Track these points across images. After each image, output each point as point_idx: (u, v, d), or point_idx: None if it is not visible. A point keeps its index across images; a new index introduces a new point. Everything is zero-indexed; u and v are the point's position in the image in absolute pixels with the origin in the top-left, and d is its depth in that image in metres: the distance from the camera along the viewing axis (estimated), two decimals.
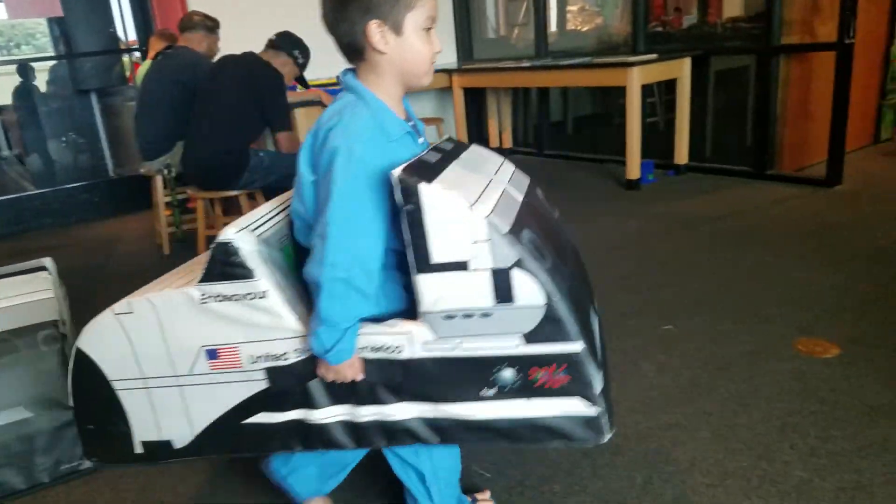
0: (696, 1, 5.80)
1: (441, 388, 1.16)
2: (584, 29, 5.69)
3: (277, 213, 1.33)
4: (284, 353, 1.20)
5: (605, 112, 5.41)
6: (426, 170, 1.09)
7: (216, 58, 3.37)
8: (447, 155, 1.23)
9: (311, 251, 1.11)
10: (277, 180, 3.10)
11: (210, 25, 3.54)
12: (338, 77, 1.23)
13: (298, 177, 1.18)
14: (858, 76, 4.26)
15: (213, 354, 1.23)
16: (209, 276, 1.18)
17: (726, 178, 4.11)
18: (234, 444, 1.30)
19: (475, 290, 1.09)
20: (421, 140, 1.27)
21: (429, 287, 1.10)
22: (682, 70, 4.08)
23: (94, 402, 1.31)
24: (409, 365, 1.16)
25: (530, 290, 1.07)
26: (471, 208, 1.05)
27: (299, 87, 3.50)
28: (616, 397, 1.68)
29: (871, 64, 4.42)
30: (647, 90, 4.58)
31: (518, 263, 1.06)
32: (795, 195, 3.68)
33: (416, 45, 1.15)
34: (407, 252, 1.08)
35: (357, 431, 1.23)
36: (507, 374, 1.13)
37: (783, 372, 1.97)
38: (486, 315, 1.10)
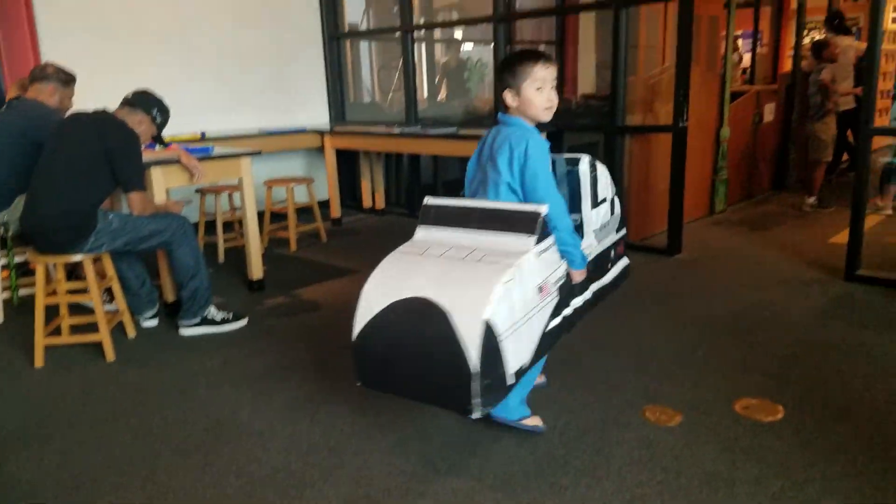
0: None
1: (598, 271, 2.20)
2: (453, 100, 5.94)
3: None
4: (563, 274, 1.96)
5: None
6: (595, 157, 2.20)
7: (68, 113, 3.15)
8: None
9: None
10: (127, 243, 2.91)
11: (64, 78, 3.35)
12: (510, 122, 2.02)
13: (496, 177, 1.99)
14: (694, 154, 4.74)
15: (540, 289, 1.86)
16: (540, 237, 1.85)
17: None
18: (541, 350, 1.90)
19: (605, 210, 2.22)
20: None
21: (593, 216, 2.16)
22: None
23: (490, 361, 1.69)
24: (593, 261, 2.11)
25: (618, 209, 2.29)
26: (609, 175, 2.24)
27: (158, 145, 3.35)
28: (479, 474, 1.80)
29: (704, 144, 4.94)
30: None
31: (612, 199, 2.25)
32: (641, 263, 3.97)
33: (531, 98, 1.97)
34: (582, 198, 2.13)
35: (575, 316, 2.06)
36: (613, 252, 2.27)
37: (632, 441, 2.07)
38: (606, 226, 2.22)
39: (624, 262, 2.36)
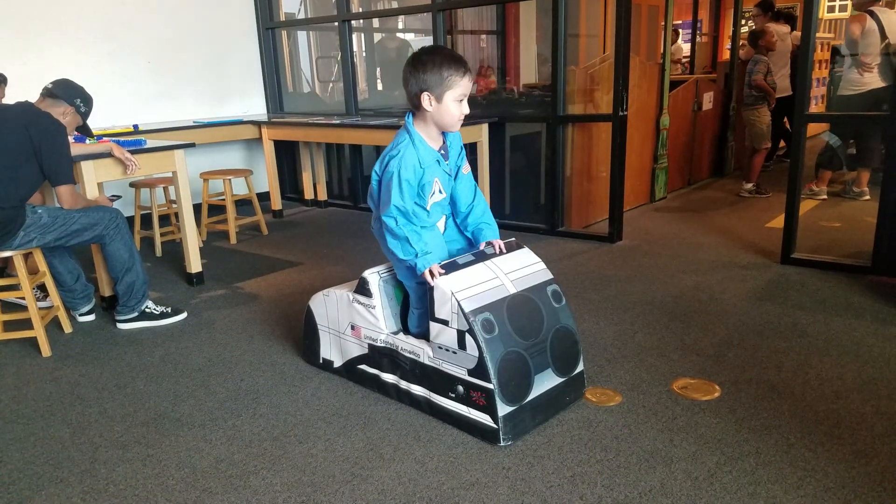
0: (497, 69, 6.28)
1: (433, 384, 2.11)
2: (393, 90, 5.87)
3: None
4: (376, 339, 2.25)
5: None
6: (448, 267, 2.06)
7: None
8: (481, 256, 2.16)
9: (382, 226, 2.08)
10: (58, 238, 2.79)
11: None
12: (405, 122, 2.09)
13: (372, 181, 2.13)
14: (634, 143, 4.83)
15: (353, 327, 2.32)
16: (355, 289, 2.28)
17: (524, 234, 4.39)
18: (354, 377, 2.39)
19: (450, 337, 2.00)
20: (447, 162, 2.14)
21: (433, 328, 2.05)
22: (480, 134, 4.34)
23: (310, 332, 2.52)
24: (423, 365, 2.12)
25: (472, 347, 1.94)
26: (453, 294, 1.96)
27: (88, 139, 3.21)
28: (422, 457, 1.90)
29: (644, 133, 5.03)
30: None
31: (469, 330, 1.93)
32: (583, 250, 4.03)
33: (450, 109, 1.99)
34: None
35: (400, 393, 2.22)
36: (461, 388, 2.02)
37: (574, 422, 2.09)
38: (454, 352, 2.01)
39: (481, 417, 1.98)
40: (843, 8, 9.94)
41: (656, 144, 5.18)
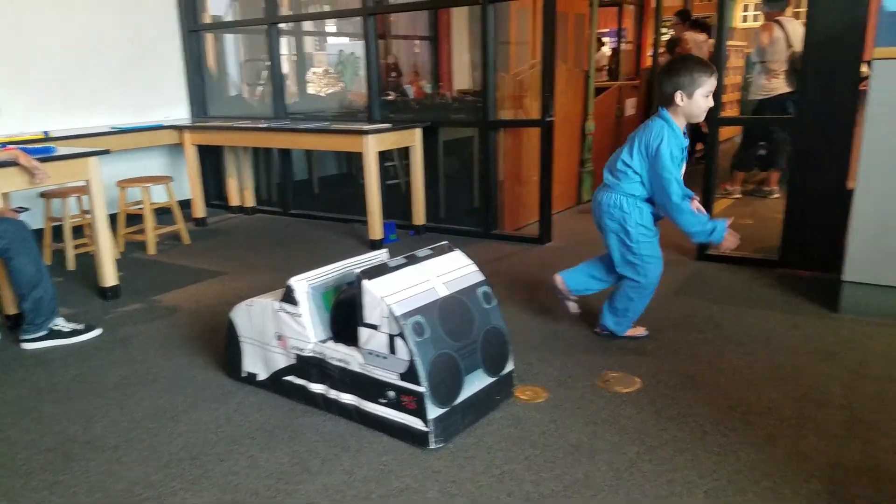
0: (430, 74, 6.33)
1: (363, 391, 2.09)
2: (326, 93, 5.83)
3: (329, 273, 2.27)
4: (303, 349, 2.20)
5: (350, 173, 5.55)
6: (378, 271, 2.04)
7: None
8: (413, 260, 2.16)
9: (660, 198, 2.44)
10: None
11: None
12: (655, 113, 2.45)
13: (638, 150, 2.44)
14: (562, 148, 4.94)
15: (280, 338, 2.26)
16: (282, 297, 2.22)
17: (459, 237, 4.43)
18: (281, 389, 2.33)
19: (381, 342, 1.99)
20: (686, 143, 2.46)
21: (362, 334, 2.04)
22: (414, 138, 4.36)
23: (232, 345, 2.44)
24: (353, 373, 2.09)
25: (403, 351, 1.94)
26: (382, 298, 1.96)
27: None
28: (350, 467, 1.88)
29: (571, 138, 5.15)
30: (387, 154, 4.81)
31: (400, 334, 1.93)
32: (516, 252, 4.09)
33: (698, 104, 2.37)
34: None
35: (328, 403, 2.19)
36: (392, 393, 2.01)
37: (503, 420, 2.11)
38: (384, 357, 2.00)
39: (411, 421, 1.97)
40: (756, 17, 10.49)
41: (582, 149, 5.31)
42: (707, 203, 3.63)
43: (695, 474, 1.79)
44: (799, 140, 3.30)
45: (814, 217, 3.28)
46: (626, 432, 2.01)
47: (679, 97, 2.36)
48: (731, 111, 7.55)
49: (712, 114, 3.53)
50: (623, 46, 7.82)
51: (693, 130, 5.72)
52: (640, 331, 2.72)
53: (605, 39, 10.05)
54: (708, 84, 2.36)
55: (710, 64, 2.39)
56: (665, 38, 6.76)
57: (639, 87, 6.25)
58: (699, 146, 6.64)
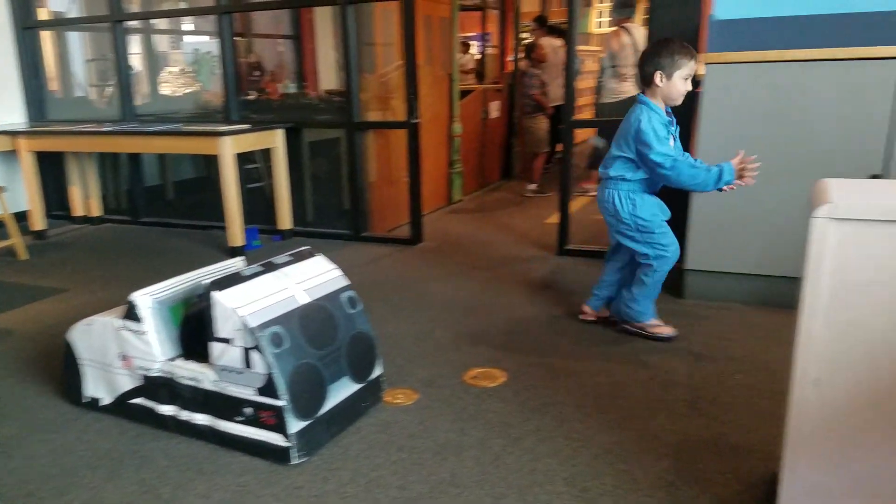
0: (293, 73, 6.15)
1: (218, 410, 1.96)
2: (180, 94, 5.51)
3: (177, 286, 2.12)
4: (150, 369, 2.03)
5: (208, 176, 5.27)
6: (230, 280, 1.93)
7: None
8: (270, 267, 2.07)
9: (656, 170, 2.44)
10: None
11: None
12: (637, 96, 2.51)
13: (624, 139, 2.50)
14: (430, 149, 4.98)
15: (124, 358, 2.08)
16: (124, 314, 2.04)
17: (328, 241, 4.34)
18: (127, 413, 2.14)
19: (234, 356, 1.88)
20: (673, 126, 2.49)
21: (215, 349, 1.91)
22: (275, 140, 4.22)
23: (71, 369, 2.24)
24: (206, 391, 1.96)
25: (259, 364, 1.84)
26: (235, 310, 1.84)
27: None
28: (205, 491, 1.78)
29: (439, 139, 5.22)
30: (249, 156, 4.62)
31: (255, 347, 1.82)
32: (387, 254, 4.07)
33: (677, 86, 2.41)
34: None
35: (180, 425, 2.03)
36: (249, 409, 1.91)
37: (370, 427, 2.08)
38: (239, 373, 1.88)
39: (271, 437, 1.88)
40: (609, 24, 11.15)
41: (450, 150, 5.39)
42: (564, 202, 3.80)
43: (555, 462, 1.85)
44: None
45: None
46: (492, 426, 2.05)
47: (658, 77, 2.41)
48: (588, 114, 7.99)
49: (566, 117, 3.71)
50: (489, 51, 8.03)
51: (554, 131, 6.01)
52: (668, 330, 2.65)
53: (472, 43, 10.30)
54: (687, 67, 2.40)
55: (690, 48, 2.42)
56: (525, 42, 7.01)
57: (502, 90, 6.44)
58: (559, 147, 6.97)
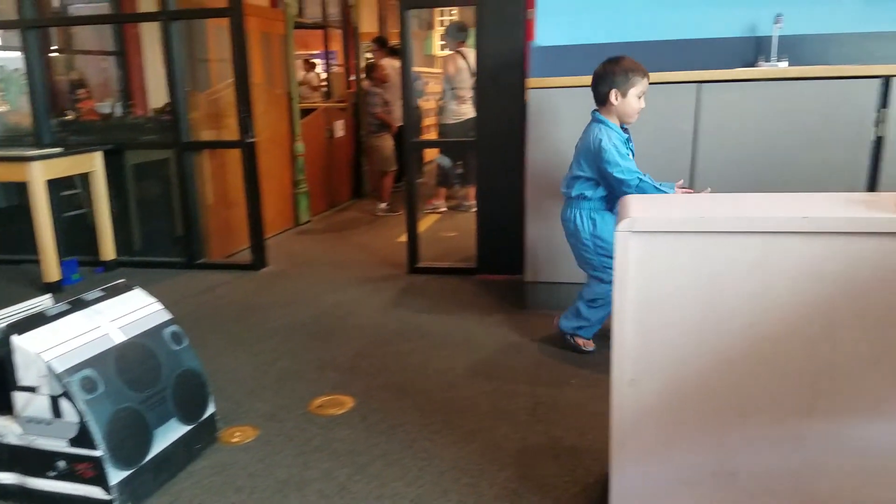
0: (118, 91, 5.72)
1: (26, 466, 1.77)
2: None
3: None
4: None
5: (20, 205, 4.72)
6: (32, 322, 1.74)
7: None
8: (79, 305, 1.87)
9: (620, 188, 2.39)
10: None
11: None
12: (593, 113, 2.50)
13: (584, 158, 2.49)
14: (272, 169, 4.84)
15: None
16: None
17: (159, 271, 4.06)
18: None
19: (41, 406, 1.69)
20: (631, 143, 2.52)
21: (18, 399, 1.72)
22: (94, 163, 3.88)
23: None
24: (11, 447, 1.77)
25: (70, 413, 1.67)
26: (38, 354, 1.66)
27: None
28: None
29: (281, 159, 5.07)
30: (69, 182, 4.21)
31: (65, 394, 1.65)
32: (226, 281, 3.87)
33: (632, 104, 2.41)
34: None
35: None
36: (62, 463, 1.73)
37: (204, 470, 1.94)
38: (48, 423, 1.71)
39: (90, 491, 1.72)
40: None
41: (294, 170, 5.26)
42: (412, 220, 3.83)
43: (402, 484, 1.83)
44: (481, 159, 3.66)
45: (501, 227, 3.65)
46: (338, 455, 1.99)
47: (614, 96, 2.38)
48: (434, 133, 8.18)
49: (407, 137, 3.76)
50: (335, 69, 7.99)
51: (400, 149, 6.07)
52: (590, 345, 2.68)
53: (316, 62, 10.19)
54: (641, 84, 2.39)
55: (641, 65, 2.41)
56: (367, 63, 7.05)
57: (346, 109, 6.41)
58: None
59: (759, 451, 1.44)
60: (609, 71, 2.41)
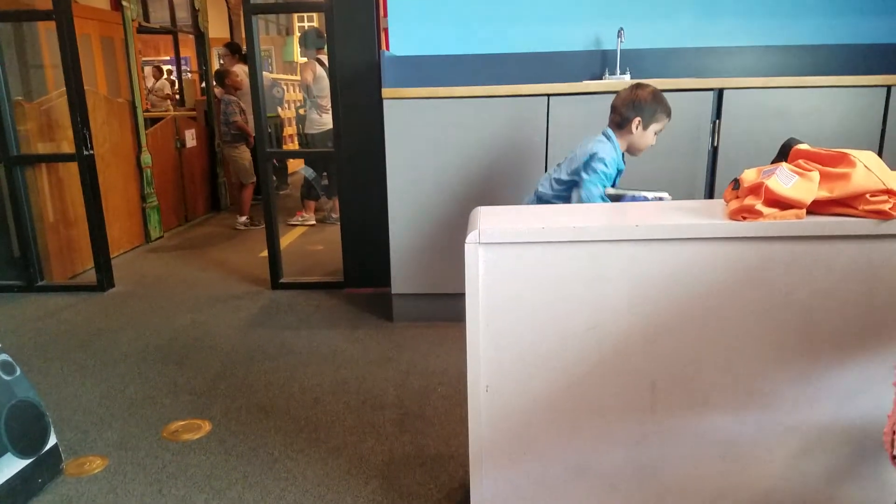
0: None
1: None
2: None
3: None
4: None
5: None
6: None
7: None
8: None
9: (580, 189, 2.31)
10: None
11: None
12: (603, 131, 2.38)
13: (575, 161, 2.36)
14: (116, 183, 4.54)
15: None
16: None
17: None
18: None
19: None
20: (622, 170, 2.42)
21: None
22: None
23: None
24: None
25: None
26: None
27: None
28: None
29: (126, 172, 4.76)
30: None
31: None
32: (70, 304, 3.57)
33: (648, 138, 2.37)
34: None
35: None
36: None
37: None
38: None
39: None
40: None
41: (142, 183, 4.96)
42: (272, 234, 3.72)
43: None
44: (341, 171, 3.63)
45: (366, 240, 3.63)
46: (195, 482, 1.91)
47: (636, 125, 2.30)
48: (293, 144, 8.03)
49: (259, 147, 3.65)
50: (189, 76, 7.63)
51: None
52: None
53: (166, 68, 9.66)
54: (662, 123, 2.33)
55: (669, 106, 2.33)
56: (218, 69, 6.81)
57: (197, 117, 6.14)
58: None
59: (608, 449, 1.54)
60: (641, 99, 2.31)
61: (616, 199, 2.27)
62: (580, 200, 2.30)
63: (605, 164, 2.27)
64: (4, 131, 3.58)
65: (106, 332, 3.16)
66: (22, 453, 1.81)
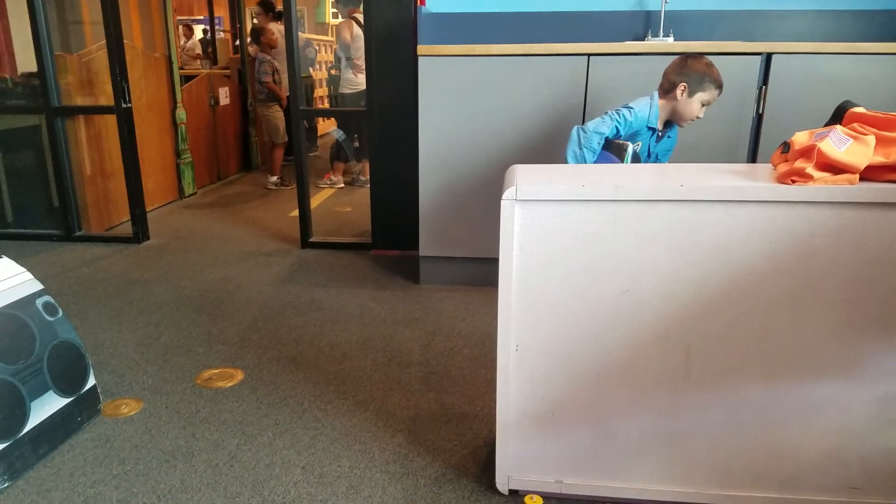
0: None
1: None
2: None
3: None
4: None
5: None
6: None
7: None
8: None
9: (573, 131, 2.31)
10: None
11: None
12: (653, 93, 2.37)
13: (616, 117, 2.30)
14: (152, 138, 4.59)
15: None
16: None
17: (35, 243, 3.79)
18: None
19: None
20: (659, 137, 2.41)
21: None
22: None
23: None
24: None
25: None
26: None
27: None
28: None
29: (161, 127, 4.81)
30: None
31: None
32: (107, 254, 3.65)
33: (693, 107, 2.32)
34: None
35: None
36: None
37: (87, 442, 1.86)
38: None
39: None
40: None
41: (177, 139, 5.01)
42: (303, 195, 3.75)
43: (293, 453, 1.84)
44: (372, 131, 3.61)
45: (395, 202, 3.64)
46: (227, 426, 1.96)
47: (681, 91, 2.28)
48: (324, 105, 8.01)
49: (293, 105, 3.65)
50: (222, 35, 7.63)
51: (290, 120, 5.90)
52: None
53: (196, 27, 9.67)
54: (710, 93, 2.29)
55: (721, 79, 2.30)
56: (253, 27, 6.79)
57: (230, 76, 6.15)
58: None
59: (638, 415, 1.52)
60: (690, 66, 2.30)
61: (618, 150, 2.30)
62: (566, 152, 2.33)
63: (629, 113, 2.29)
64: (47, 83, 3.63)
65: (141, 282, 3.23)
66: (63, 392, 1.87)
